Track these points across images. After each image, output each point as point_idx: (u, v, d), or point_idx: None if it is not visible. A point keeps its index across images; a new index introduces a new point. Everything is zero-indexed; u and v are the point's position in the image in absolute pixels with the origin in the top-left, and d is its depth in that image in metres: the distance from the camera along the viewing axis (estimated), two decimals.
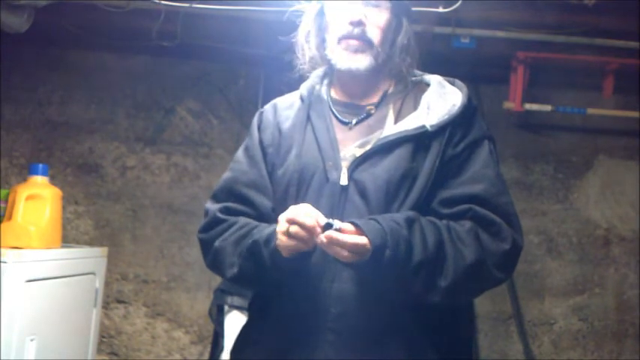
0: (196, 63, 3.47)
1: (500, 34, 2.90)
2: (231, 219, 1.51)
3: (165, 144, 3.48)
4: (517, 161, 3.44)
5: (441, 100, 1.49)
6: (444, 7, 2.60)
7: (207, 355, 2.97)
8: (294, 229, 1.31)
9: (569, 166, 3.47)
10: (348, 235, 1.30)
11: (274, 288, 1.46)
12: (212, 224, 1.53)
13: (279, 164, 1.52)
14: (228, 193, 1.55)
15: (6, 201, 2.43)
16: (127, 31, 3.11)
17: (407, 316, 1.40)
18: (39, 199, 2.39)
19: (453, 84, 1.55)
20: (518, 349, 3.40)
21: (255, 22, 2.81)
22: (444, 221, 1.40)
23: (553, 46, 2.99)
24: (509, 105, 3.19)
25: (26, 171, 2.68)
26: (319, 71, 1.61)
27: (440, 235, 1.36)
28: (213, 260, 1.51)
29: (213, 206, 1.55)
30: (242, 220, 1.50)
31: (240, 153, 1.60)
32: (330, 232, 1.29)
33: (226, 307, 2.61)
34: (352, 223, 1.32)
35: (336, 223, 1.30)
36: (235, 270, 1.45)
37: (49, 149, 3.46)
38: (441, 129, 1.44)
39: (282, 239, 1.34)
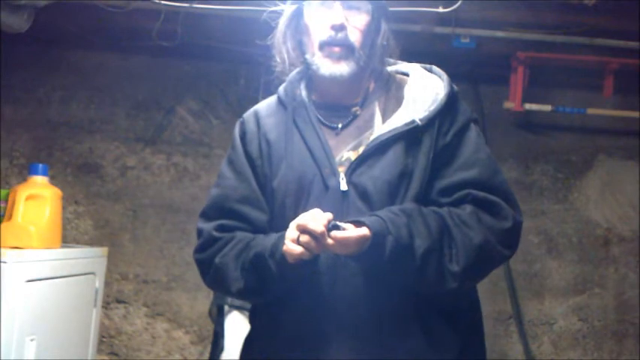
0: (196, 63, 3.46)
1: (500, 34, 2.90)
2: (228, 235, 1.48)
3: (165, 144, 3.48)
4: (517, 161, 3.44)
5: (424, 90, 1.48)
6: (444, 7, 2.61)
7: (207, 355, 2.97)
8: (304, 238, 1.30)
9: (569, 166, 3.47)
10: (350, 230, 1.30)
11: (279, 297, 1.45)
12: (208, 243, 1.50)
13: (271, 175, 1.49)
14: (220, 211, 1.51)
15: (6, 201, 2.42)
16: (127, 31, 3.11)
17: (422, 307, 1.41)
18: (39, 199, 2.38)
19: (431, 71, 1.54)
20: (518, 349, 3.40)
21: (256, 22, 2.80)
22: (445, 208, 1.41)
23: (553, 46, 2.99)
24: (509, 105, 3.19)
25: (26, 171, 2.68)
26: (295, 74, 1.59)
27: (443, 220, 1.37)
28: (215, 277, 1.48)
29: (206, 225, 1.51)
30: (239, 234, 1.48)
31: (225, 168, 1.56)
32: (334, 233, 1.29)
33: (226, 307, 2.61)
34: (351, 221, 1.33)
35: (341, 225, 1.31)
36: (241, 284, 1.43)
37: (49, 149, 3.46)
38: (430, 121, 1.44)
39: (290, 247, 1.32)
